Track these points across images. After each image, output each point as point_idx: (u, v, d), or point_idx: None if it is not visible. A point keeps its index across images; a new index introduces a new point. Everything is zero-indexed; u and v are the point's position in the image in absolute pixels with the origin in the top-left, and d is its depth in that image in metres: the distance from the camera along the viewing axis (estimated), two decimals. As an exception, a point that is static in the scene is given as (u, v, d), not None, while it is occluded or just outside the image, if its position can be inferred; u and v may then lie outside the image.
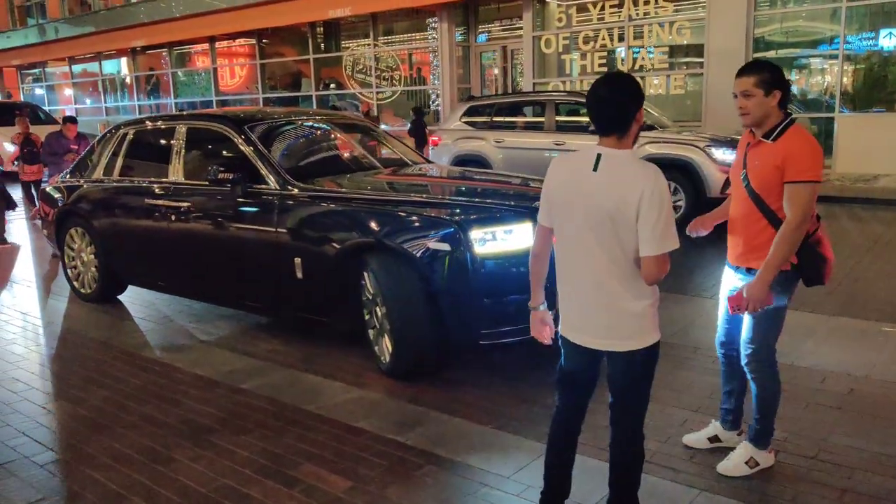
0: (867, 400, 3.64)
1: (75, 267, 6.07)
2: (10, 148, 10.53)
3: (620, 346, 2.30)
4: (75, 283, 6.10)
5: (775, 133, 2.77)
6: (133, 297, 6.07)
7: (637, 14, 13.49)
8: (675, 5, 13.16)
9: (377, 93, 17.55)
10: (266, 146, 4.84)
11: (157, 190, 5.26)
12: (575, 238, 2.30)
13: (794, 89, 12.87)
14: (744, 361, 2.99)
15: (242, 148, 4.83)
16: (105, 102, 25.44)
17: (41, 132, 10.60)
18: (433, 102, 16.69)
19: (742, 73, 2.79)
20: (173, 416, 3.69)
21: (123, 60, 24.30)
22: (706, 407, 3.61)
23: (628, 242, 2.21)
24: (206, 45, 21.14)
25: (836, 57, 11.89)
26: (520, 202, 4.23)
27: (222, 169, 4.63)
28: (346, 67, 18.16)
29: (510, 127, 10.10)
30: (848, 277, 6.06)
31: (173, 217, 5.08)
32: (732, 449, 3.13)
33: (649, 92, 13.75)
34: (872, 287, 5.80)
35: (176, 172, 5.21)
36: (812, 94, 12.64)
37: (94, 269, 5.88)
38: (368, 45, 17.59)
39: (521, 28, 15.04)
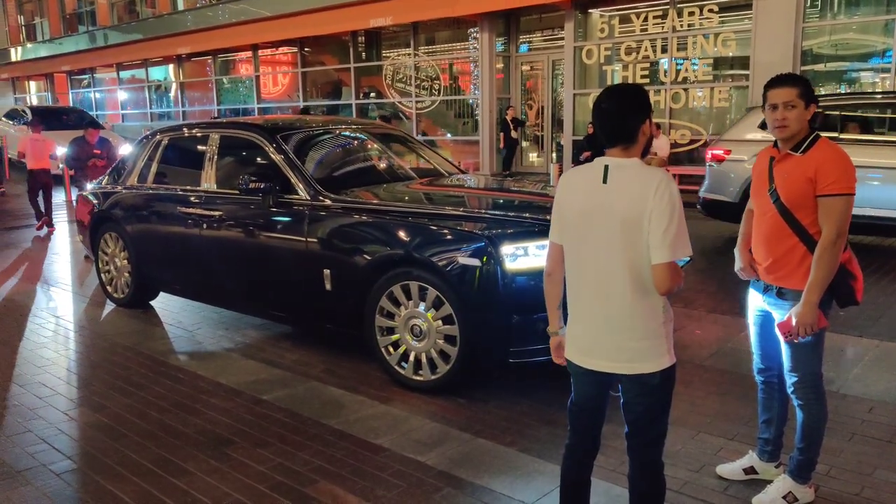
0: (918, 434, 3.42)
1: (109, 272, 6.12)
2: (60, 151, 10.76)
3: (635, 369, 2.18)
4: (109, 288, 6.15)
5: (804, 146, 2.67)
6: (164, 303, 6.10)
7: (681, 25, 13.23)
8: (720, 17, 12.88)
9: (416, 102, 17.57)
10: (298, 156, 4.81)
11: (189, 198, 5.26)
12: (587, 254, 2.20)
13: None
14: (790, 390, 2.83)
15: (273, 157, 4.80)
16: (150, 108, 26.04)
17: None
18: (474, 112, 16.64)
19: (783, 83, 2.65)
20: (192, 425, 3.66)
21: (170, 67, 24.84)
22: (742, 435, 3.43)
23: (642, 256, 2.11)
24: (249, 53, 21.47)
25: (888, 70, 11.47)
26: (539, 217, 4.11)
27: (254, 178, 4.60)
28: (385, 76, 18.23)
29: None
30: (899, 301, 5.77)
31: (205, 225, 5.07)
32: (769, 482, 2.96)
33: (693, 104, 13.48)
34: (925, 312, 5.50)
35: (208, 180, 5.21)
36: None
37: (126, 274, 5.92)
38: (409, 54, 17.63)
39: (562, 38, 14.89)
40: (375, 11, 16.28)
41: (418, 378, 4.07)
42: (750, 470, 3.09)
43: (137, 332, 5.38)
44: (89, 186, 6.74)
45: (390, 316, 4.12)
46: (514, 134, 15.19)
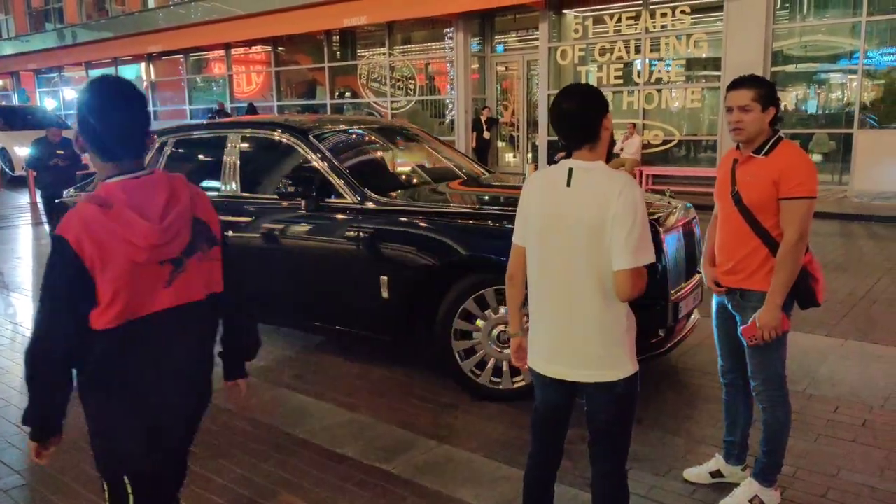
0: (882, 432, 3.45)
1: None
2: (22, 153, 10.51)
3: (598, 377, 2.15)
4: None
5: (766, 148, 2.66)
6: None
7: (654, 26, 13.32)
8: (692, 18, 12.98)
9: (392, 102, 17.49)
10: (336, 157, 4.53)
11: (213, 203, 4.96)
12: (549, 258, 2.16)
13: (814, 104, 12.64)
14: (754, 393, 2.84)
15: (311, 158, 4.50)
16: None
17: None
18: (448, 112, 16.60)
19: (740, 86, 2.65)
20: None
21: (141, 66, 24.47)
22: (710, 438, 3.43)
23: (605, 261, 2.07)
24: (222, 52, 21.22)
25: (855, 72, 11.64)
26: None
27: (293, 182, 4.34)
28: (360, 76, 18.13)
29: None
30: (865, 299, 5.84)
31: (230, 232, 4.61)
32: (736, 485, 2.96)
33: (666, 105, 13.57)
34: (891, 309, 5.57)
35: (229, 184, 4.82)
36: (831, 109, 12.39)
37: None
38: (384, 54, 17.55)
39: (537, 39, 14.91)
40: (349, 11, 16.18)
41: (495, 386, 3.91)
42: (717, 473, 3.08)
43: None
44: (69, 193, 6.07)
45: (469, 321, 3.92)
46: (486, 134, 15.19)
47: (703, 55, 13.13)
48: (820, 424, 3.55)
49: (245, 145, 4.87)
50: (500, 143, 16.35)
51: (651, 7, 13.25)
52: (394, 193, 4.45)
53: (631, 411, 2.24)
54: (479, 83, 16.31)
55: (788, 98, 12.67)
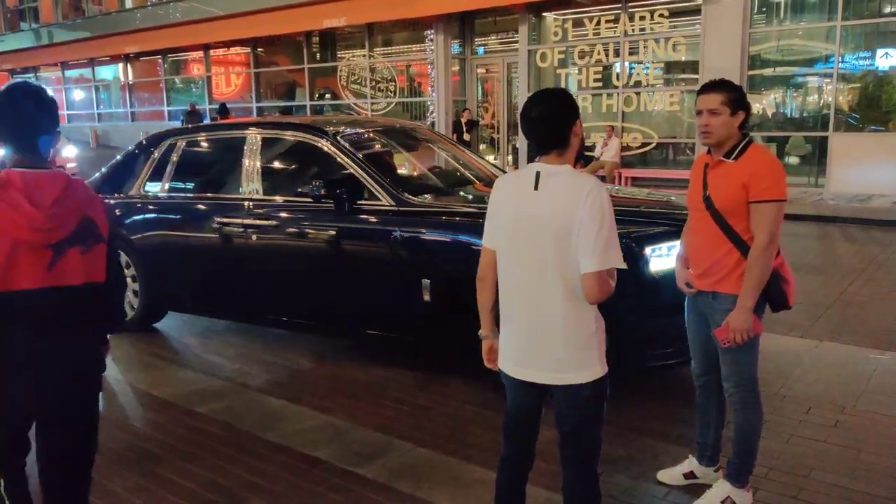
0: (853, 432, 3.47)
1: None
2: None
3: (567, 379, 2.15)
4: None
5: (736, 152, 2.67)
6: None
7: (633, 30, 13.41)
8: (671, 21, 13.08)
9: (372, 104, 17.45)
10: (367, 159, 4.43)
11: (230, 206, 4.69)
12: (518, 261, 2.16)
13: (790, 108, 12.79)
14: (727, 395, 2.84)
15: (343, 161, 4.39)
16: (97, 108, 25.32)
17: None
18: (429, 114, 16.59)
19: (709, 90, 2.67)
20: (119, 441, 3.50)
21: (118, 66, 24.20)
22: (685, 439, 3.43)
23: (573, 264, 2.08)
24: (200, 53, 21.05)
25: (830, 76, 11.80)
26: (672, 217, 4.01)
27: (321, 184, 4.22)
28: (340, 78, 18.06)
29: None
30: (839, 301, 5.90)
31: (254, 237, 4.55)
32: (709, 486, 2.96)
33: (645, 108, 13.65)
34: (864, 311, 5.63)
35: (250, 186, 4.67)
36: (807, 112, 12.54)
37: (131, 294, 5.20)
38: (364, 55, 17.50)
39: (517, 42, 14.95)
40: (329, 12, 16.13)
41: None
42: (690, 475, 3.09)
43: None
44: None
45: None
46: (466, 136, 15.19)
47: (682, 58, 13.24)
48: (792, 425, 3.57)
49: (267, 146, 4.73)
50: (480, 146, 16.37)
51: (630, 10, 13.34)
52: (426, 196, 4.40)
53: (600, 413, 2.24)
54: (459, 85, 16.32)
55: (765, 101, 12.82)
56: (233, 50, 20.62)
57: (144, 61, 23.12)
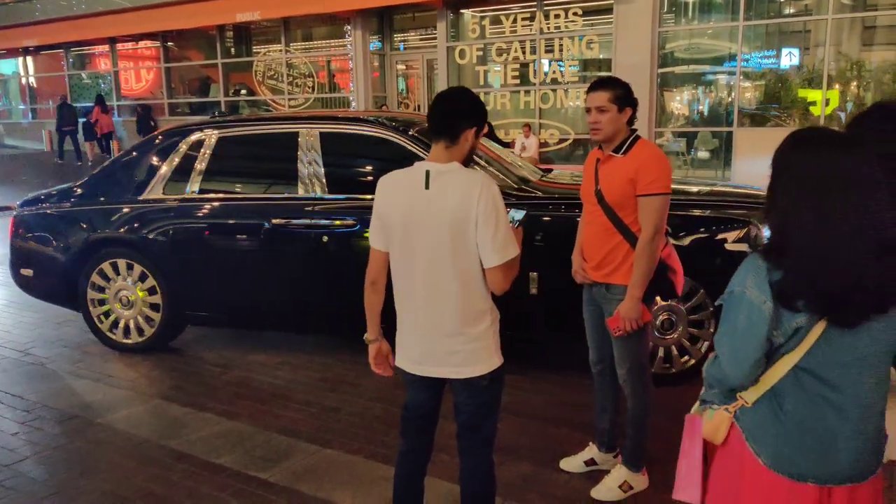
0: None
1: (110, 310, 4.74)
2: None
3: (465, 372, 2.19)
4: (112, 332, 4.77)
5: (625, 147, 2.77)
6: (-5, 319, 5.57)
7: (548, 27, 13.64)
8: (584, 20, 13.38)
9: (289, 100, 17.13)
10: None
11: (286, 207, 4.30)
12: (414, 261, 2.17)
13: (698, 104, 13.31)
14: (621, 381, 2.94)
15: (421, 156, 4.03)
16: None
17: None
18: (350, 109, 16.43)
19: (597, 87, 2.76)
20: (8, 457, 3.32)
21: (18, 61, 22.86)
22: (590, 426, 3.51)
23: (469, 260, 2.12)
24: (106, 47, 20.13)
25: (734, 74, 12.35)
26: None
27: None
28: (256, 73, 17.64)
29: None
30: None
31: (325, 238, 4.21)
32: (609, 472, 3.05)
33: (562, 105, 13.91)
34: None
35: (310, 186, 4.30)
36: (714, 109, 13.09)
37: (147, 310, 4.67)
38: (280, 50, 17.15)
39: (436, 38, 14.97)
40: (242, 5, 15.71)
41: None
42: (591, 461, 3.18)
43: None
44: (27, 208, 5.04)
45: None
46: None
47: (596, 56, 13.56)
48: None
49: (327, 143, 4.35)
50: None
51: (545, 8, 13.57)
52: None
53: (496, 404, 2.29)
54: (379, 81, 16.22)
55: (676, 98, 13.30)
56: (142, 44, 19.79)
57: (46, 55, 21.92)
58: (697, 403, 1.84)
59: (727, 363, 1.64)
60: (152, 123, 16.81)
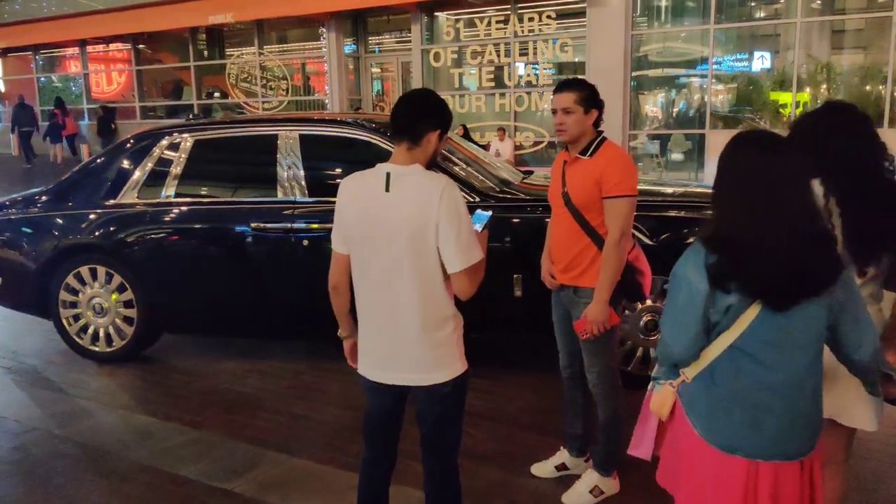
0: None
1: (76, 317, 4.61)
2: None
3: (429, 379, 2.15)
4: (81, 339, 4.63)
5: (591, 149, 2.76)
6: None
7: (522, 30, 13.67)
8: (558, 23, 13.43)
9: (263, 102, 16.98)
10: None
11: (268, 211, 4.22)
12: (374, 265, 2.13)
13: (672, 107, 13.42)
14: (591, 386, 2.92)
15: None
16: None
17: None
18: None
19: (563, 89, 2.75)
20: (-36, 472, 3.22)
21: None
22: (559, 432, 3.50)
23: (430, 265, 2.08)
24: (76, 49, 19.81)
25: (706, 76, 12.47)
26: None
27: None
28: (229, 76, 17.46)
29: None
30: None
31: (305, 242, 4.15)
32: (580, 477, 3.03)
33: (537, 107, 13.94)
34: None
35: (289, 189, 4.23)
36: (687, 111, 13.21)
37: (119, 320, 4.54)
38: (254, 53, 17.00)
39: (410, 41, 14.93)
40: (215, 7, 15.55)
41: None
42: (562, 466, 3.16)
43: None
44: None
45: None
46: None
47: (570, 59, 13.61)
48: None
49: (306, 146, 4.28)
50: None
51: (519, 12, 13.59)
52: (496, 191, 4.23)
53: (460, 411, 2.26)
54: (354, 84, 16.14)
55: (649, 101, 13.40)
56: (113, 46, 19.51)
57: (14, 58, 21.53)
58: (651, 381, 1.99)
59: (669, 336, 1.80)
60: (113, 126, 16.38)
